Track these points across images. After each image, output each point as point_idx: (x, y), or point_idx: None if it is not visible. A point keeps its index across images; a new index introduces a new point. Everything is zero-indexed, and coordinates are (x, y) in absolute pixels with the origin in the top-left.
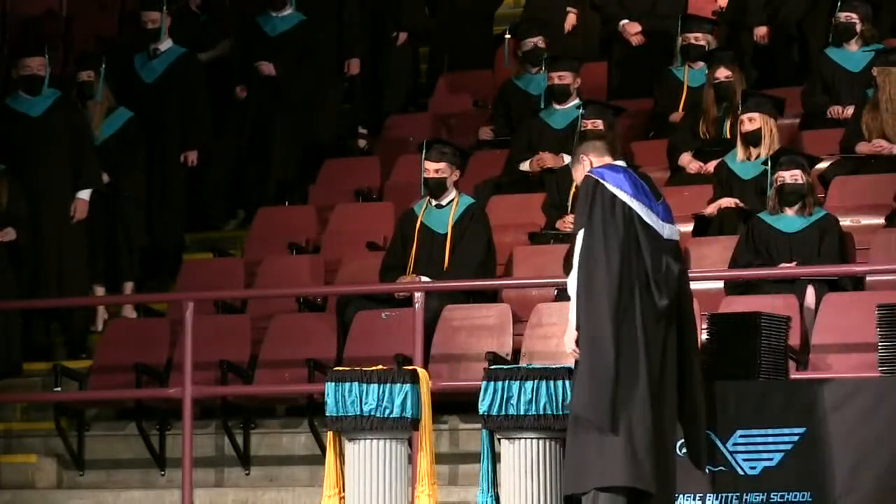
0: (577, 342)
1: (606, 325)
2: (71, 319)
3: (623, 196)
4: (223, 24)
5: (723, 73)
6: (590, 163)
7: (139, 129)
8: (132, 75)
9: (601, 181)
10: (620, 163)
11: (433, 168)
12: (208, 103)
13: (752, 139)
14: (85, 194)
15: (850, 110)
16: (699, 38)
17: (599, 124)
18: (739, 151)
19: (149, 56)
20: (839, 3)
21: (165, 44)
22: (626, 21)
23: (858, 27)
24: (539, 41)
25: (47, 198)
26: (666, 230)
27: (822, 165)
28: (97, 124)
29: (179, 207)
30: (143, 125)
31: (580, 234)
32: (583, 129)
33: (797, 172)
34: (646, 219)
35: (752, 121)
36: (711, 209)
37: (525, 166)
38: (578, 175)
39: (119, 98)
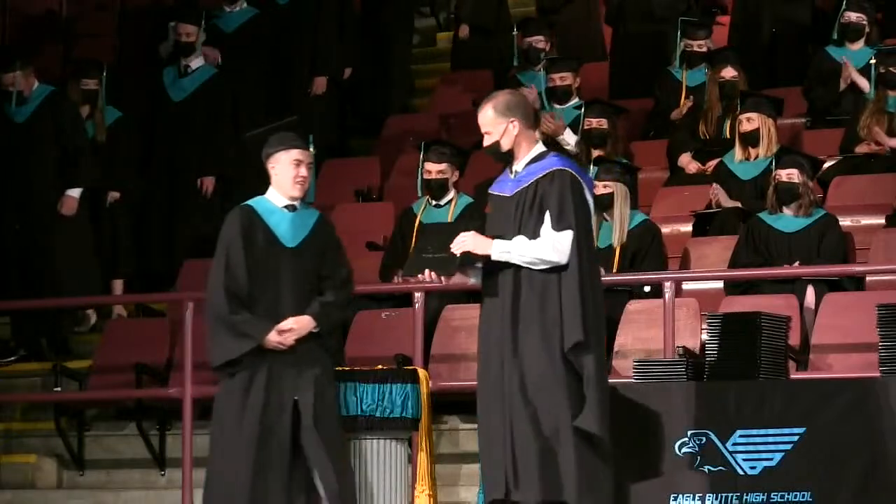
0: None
1: (604, 339)
2: (57, 320)
3: (589, 198)
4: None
5: (729, 73)
6: (517, 129)
7: (131, 127)
8: (159, 91)
9: (580, 181)
10: (542, 144)
11: (435, 169)
12: (232, 128)
13: (751, 139)
14: (75, 192)
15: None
16: (702, 46)
17: (604, 123)
18: (738, 151)
19: (179, 73)
20: (846, 3)
21: (197, 61)
22: None
23: (867, 28)
24: (540, 41)
25: (36, 201)
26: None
27: (824, 167)
28: (99, 128)
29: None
30: (166, 146)
31: (567, 235)
32: (587, 127)
33: (793, 172)
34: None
35: (750, 121)
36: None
37: None
38: (495, 133)
39: (130, 109)
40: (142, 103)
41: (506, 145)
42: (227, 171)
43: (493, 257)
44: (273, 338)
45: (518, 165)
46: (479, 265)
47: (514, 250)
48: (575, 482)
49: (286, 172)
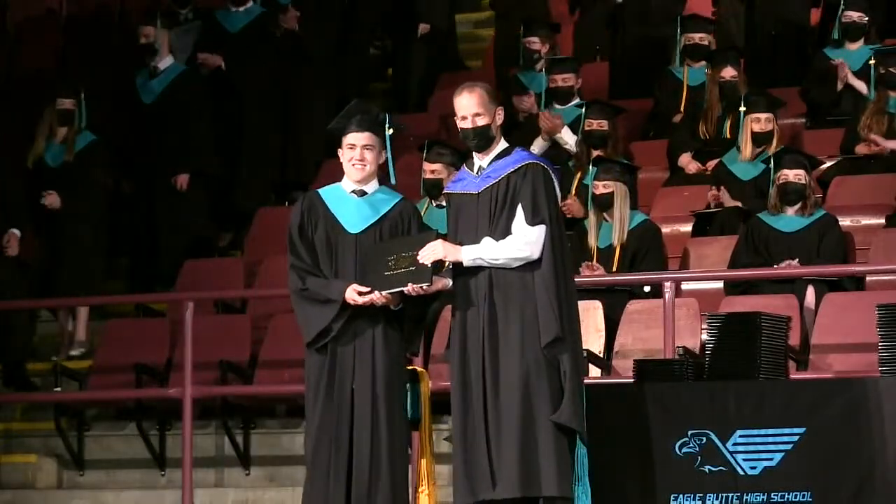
0: (547, 354)
1: (579, 333)
2: (8, 344)
3: (558, 191)
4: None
5: (729, 73)
6: (501, 117)
7: (101, 152)
8: (133, 95)
9: (552, 176)
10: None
11: (429, 169)
12: (207, 124)
13: (764, 139)
14: (17, 231)
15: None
16: (703, 39)
17: (605, 124)
18: (746, 150)
19: (150, 75)
20: (845, 3)
21: (165, 61)
22: None
23: (867, 27)
24: (536, 42)
25: None
26: None
27: (824, 167)
28: (70, 150)
29: (181, 238)
30: (140, 149)
31: (540, 230)
32: (588, 128)
33: (801, 172)
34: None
35: (769, 121)
36: (713, 194)
37: None
38: (488, 116)
39: (107, 118)
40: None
41: (494, 131)
42: (202, 167)
43: (465, 264)
44: (351, 295)
45: (483, 161)
46: (450, 267)
47: (485, 254)
48: (555, 475)
49: (344, 157)
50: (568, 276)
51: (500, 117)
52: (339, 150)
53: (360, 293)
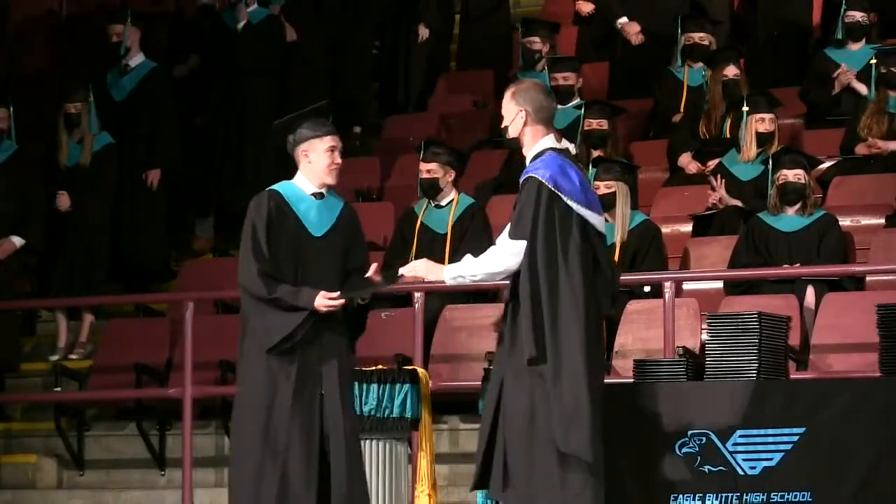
0: (532, 363)
1: (580, 356)
2: None
3: (580, 209)
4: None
5: (731, 72)
6: (524, 119)
7: (114, 157)
8: (104, 93)
9: (556, 192)
10: (552, 141)
11: (425, 169)
12: (174, 121)
13: (767, 139)
14: (17, 241)
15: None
16: (703, 38)
17: (604, 124)
18: (749, 150)
19: (120, 73)
20: (847, 3)
21: (135, 59)
22: (625, 20)
23: (869, 27)
24: (538, 42)
25: None
26: (603, 225)
27: (824, 167)
28: (86, 153)
29: (156, 229)
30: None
31: (520, 245)
32: (587, 128)
33: (800, 172)
34: (598, 227)
35: (772, 121)
36: (713, 199)
37: None
38: (507, 118)
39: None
40: None
41: (512, 132)
42: (172, 164)
43: (448, 282)
44: (321, 302)
45: (527, 161)
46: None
47: (466, 272)
48: (500, 478)
49: (321, 160)
50: (556, 297)
51: (521, 117)
52: (303, 151)
53: (331, 298)
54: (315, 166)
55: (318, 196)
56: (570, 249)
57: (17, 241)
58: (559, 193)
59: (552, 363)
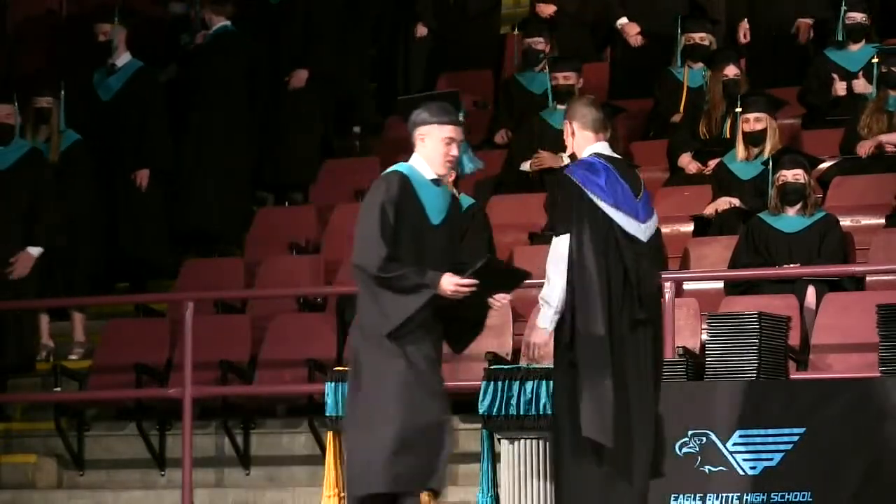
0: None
1: (602, 348)
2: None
3: (605, 207)
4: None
5: (732, 71)
6: (572, 131)
7: (85, 153)
8: (91, 93)
9: (583, 189)
10: (601, 147)
11: None
12: (163, 121)
13: (756, 139)
14: (35, 251)
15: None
16: (703, 38)
17: None
18: (741, 151)
19: (107, 72)
20: (847, 4)
21: (122, 58)
22: (625, 21)
23: (869, 28)
24: (540, 42)
25: None
26: (646, 232)
27: (824, 166)
28: (54, 150)
29: (155, 226)
30: (99, 147)
31: (564, 239)
32: None
33: (799, 172)
34: (627, 228)
35: (758, 121)
36: (710, 210)
37: (525, 166)
38: (566, 136)
39: (75, 117)
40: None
41: (569, 148)
42: (161, 163)
43: (549, 329)
44: (448, 285)
45: None
46: None
47: (545, 310)
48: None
49: (437, 148)
50: (587, 275)
51: (570, 131)
52: (420, 134)
53: (460, 283)
54: (430, 153)
55: (436, 182)
56: (598, 245)
57: (35, 251)
58: (584, 189)
59: (582, 353)
